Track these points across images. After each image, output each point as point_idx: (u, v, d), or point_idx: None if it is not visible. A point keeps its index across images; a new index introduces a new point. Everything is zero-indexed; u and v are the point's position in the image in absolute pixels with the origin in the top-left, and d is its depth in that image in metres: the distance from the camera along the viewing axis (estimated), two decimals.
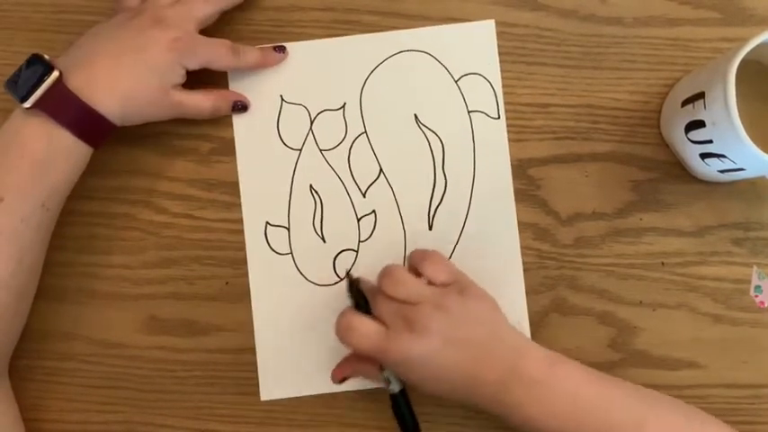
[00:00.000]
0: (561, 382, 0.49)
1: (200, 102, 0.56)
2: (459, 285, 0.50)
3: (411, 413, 0.51)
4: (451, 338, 0.48)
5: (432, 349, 0.47)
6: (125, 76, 0.51)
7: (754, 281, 0.56)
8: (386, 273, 0.50)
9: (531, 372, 0.48)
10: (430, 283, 0.50)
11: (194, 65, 0.54)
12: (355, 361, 0.54)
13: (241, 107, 0.57)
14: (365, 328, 0.49)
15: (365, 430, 0.57)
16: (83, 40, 0.53)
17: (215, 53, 0.54)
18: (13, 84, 0.50)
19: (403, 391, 0.51)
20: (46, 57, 0.50)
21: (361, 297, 0.51)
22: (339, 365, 0.54)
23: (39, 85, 0.49)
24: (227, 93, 0.58)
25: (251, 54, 0.56)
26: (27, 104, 0.49)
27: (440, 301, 0.49)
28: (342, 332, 0.49)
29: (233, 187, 0.58)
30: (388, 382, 0.51)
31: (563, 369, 0.49)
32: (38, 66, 0.50)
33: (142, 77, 0.52)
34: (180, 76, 0.53)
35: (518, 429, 0.49)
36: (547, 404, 0.48)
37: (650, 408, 0.49)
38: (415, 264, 0.51)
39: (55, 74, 0.49)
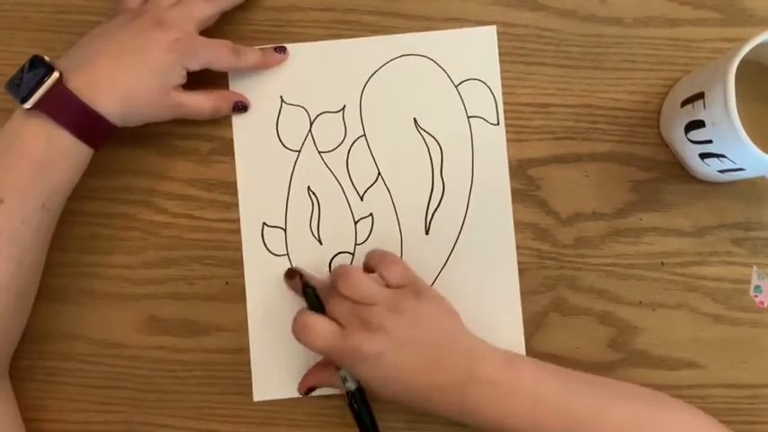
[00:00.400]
0: (520, 383, 0.49)
1: (201, 102, 0.56)
2: (414, 288, 0.51)
3: (369, 411, 0.52)
4: (405, 340, 0.48)
5: (386, 349, 0.48)
6: (126, 78, 0.51)
7: (754, 281, 0.56)
8: (341, 273, 0.50)
9: (489, 374, 0.49)
10: (386, 285, 0.51)
11: (195, 66, 0.54)
12: (319, 370, 0.55)
13: (242, 107, 0.58)
14: (320, 326, 0.49)
15: None
16: (84, 41, 0.53)
17: (216, 54, 0.54)
18: (14, 85, 0.50)
19: (360, 389, 0.52)
20: (47, 58, 0.50)
21: (315, 298, 0.52)
22: (304, 377, 0.55)
23: (39, 86, 0.49)
24: (228, 93, 0.58)
25: (252, 55, 0.56)
26: (27, 105, 0.49)
27: (394, 302, 0.49)
28: (297, 331, 0.50)
29: (233, 187, 0.58)
30: (344, 380, 0.51)
31: (521, 369, 0.49)
32: (39, 67, 0.50)
33: (143, 78, 0.52)
34: (180, 77, 0.53)
35: None
36: (506, 405, 0.48)
37: (610, 400, 0.49)
38: (372, 265, 0.52)
39: (55, 75, 0.49)
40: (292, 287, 0.56)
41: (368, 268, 0.53)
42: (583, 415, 0.48)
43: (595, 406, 0.49)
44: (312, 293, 0.52)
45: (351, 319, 0.49)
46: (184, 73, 0.54)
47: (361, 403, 0.52)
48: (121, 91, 0.51)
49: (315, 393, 0.55)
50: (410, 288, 0.51)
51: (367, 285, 0.50)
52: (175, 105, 0.54)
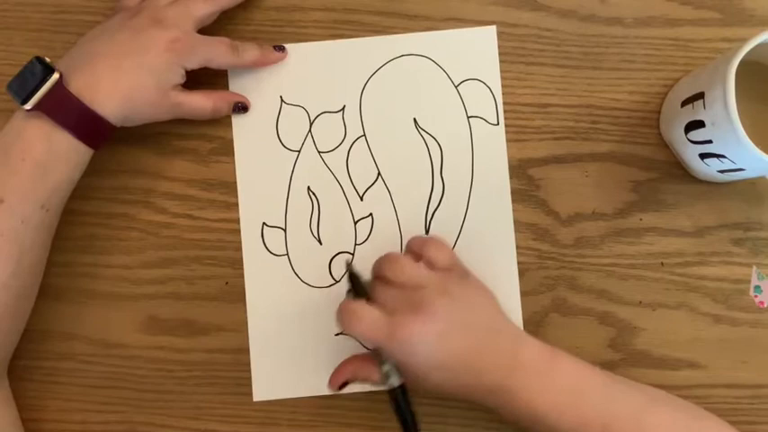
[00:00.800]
0: (563, 373, 0.49)
1: (201, 103, 0.56)
2: (460, 271, 0.50)
3: (410, 409, 0.50)
4: (456, 322, 0.47)
5: (438, 332, 0.46)
6: (125, 79, 0.51)
7: (754, 281, 0.56)
8: (386, 258, 0.49)
9: (534, 361, 0.48)
10: (430, 268, 0.49)
11: (194, 64, 0.54)
12: (355, 364, 0.52)
13: (241, 108, 0.57)
14: (369, 314, 0.47)
15: (365, 430, 0.57)
16: (83, 41, 0.53)
17: (214, 51, 0.54)
18: (15, 86, 0.50)
19: (403, 386, 0.50)
20: (47, 59, 0.50)
21: (360, 287, 0.50)
22: (337, 371, 0.52)
23: (39, 87, 0.49)
24: (228, 94, 0.58)
25: (250, 52, 0.56)
26: (28, 106, 0.49)
27: (443, 285, 0.48)
28: (345, 320, 0.47)
29: (233, 187, 0.58)
30: (387, 377, 0.49)
31: (564, 360, 0.49)
32: (39, 68, 0.50)
33: (142, 79, 0.52)
34: (179, 77, 0.53)
35: (516, 422, 0.49)
36: (549, 393, 0.48)
37: (651, 403, 0.49)
38: (416, 248, 0.50)
39: (55, 76, 0.49)
40: None
41: (412, 255, 0.51)
42: (624, 414, 0.48)
43: (636, 407, 0.48)
44: (357, 281, 0.50)
45: (400, 304, 0.47)
46: (183, 72, 0.53)
47: (404, 401, 0.49)
48: (121, 92, 0.51)
49: (347, 390, 0.52)
50: (457, 271, 0.50)
51: (412, 268, 0.48)
52: (175, 105, 0.54)
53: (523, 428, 0.49)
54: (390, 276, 0.48)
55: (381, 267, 0.49)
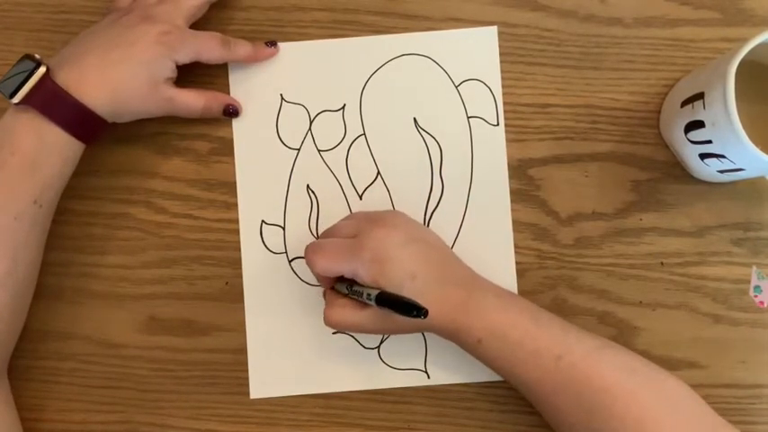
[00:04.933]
0: (520, 301, 0.52)
1: (192, 100, 0.55)
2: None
3: (401, 298, 0.48)
4: (415, 236, 0.51)
5: (402, 239, 0.50)
6: (114, 71, 0.51)
7: (754, 281, 0.56)
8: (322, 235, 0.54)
9: (492, 286, 0.52)
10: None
11: (184, 58, 0.54)
12: (333, 300, 0.52)
13: (233, 111, 0.57)
14: (332, 242, 0.51)
15: (365, 430, 0.57)
16: (74, 41, 0.53)
17: (205, 45, 0.54)
18: (3, 83, 0.50)
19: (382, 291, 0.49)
20: (36, 56, 0.51)
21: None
22: (327, 313, 0.52)
23: (27, 81, 0.49)
24: (221, 95, 0.57)
25: (242, 47, 0.56)
26: (15, 100, 0.49)
27: (386, 214, 0.54)
28: (312, 257, 0.50)
29: (233, 187, 0.58)
30: (365, 296, 0.49)
31: (519, 296, 0.54)
32: (27, 63, 0.50)
33: (130, 71, 0.52)
34: (170, 70, 0.53)
35: (475, 349, 0.50)
36: (509, 312, 0.50)
37: (606, 344, 0.50)
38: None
39: (42, 69, 0.50)
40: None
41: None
42: (579, 349, 0.48)
43: (591, 346, 0.49)
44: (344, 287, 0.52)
45: (358, 227, 0.51)
46: (173, 66, 0.53)
47: (392, 295, 0.48)
48: (109, 84, 0.51)
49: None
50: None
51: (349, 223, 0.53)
52: (165, 100, 0.54)
53: (482, 358, 0.50)
54: (343, 222, 0.53)
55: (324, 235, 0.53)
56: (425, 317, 0.45)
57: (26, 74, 0.50)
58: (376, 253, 0.49)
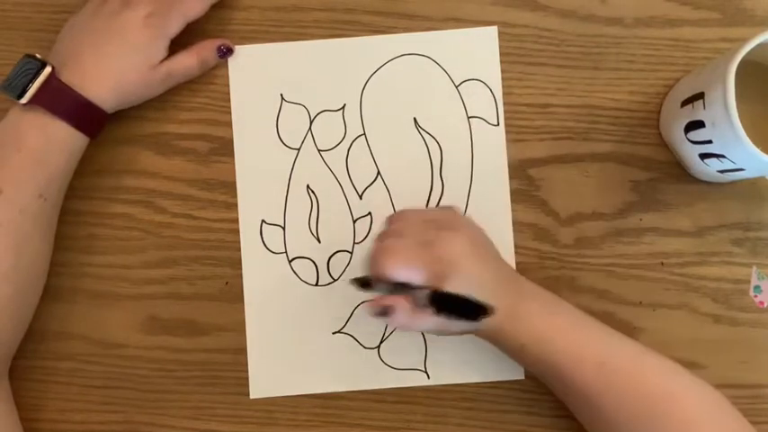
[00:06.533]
0: (565, 306, 0.51)
1: (186, 61, 0.56)
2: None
3: (459, 296, 0.47)
4: (477, 243, 0.49)
5: (470, 248, 0.48)
6: (112, 64, 0.52)
7: (754, 281, 0.56)
8: (392, 217, 0.51)
9: (537, 291, 0.51)
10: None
11: (176, 30, 0.54)
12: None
13: (226, 51, 0.57)
14: (403, 244, 0.47)
15: (365, 430, 0.57)
16: (62, 37, 0.54)
17: (186, 5, 0.54)
18: (8, 84, 0.51)
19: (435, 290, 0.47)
20: (38, 55, 0.51)
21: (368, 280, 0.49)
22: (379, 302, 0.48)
23: (33, 80, 0.50)
24: (208, 43, 0.57)
25: None
26: (24, 100, 0.50)
27: (452, 217, 0.51)
28: (382, 259, 0.46)
29: (233, 187, 0.58)
30: (423, 297, 0.47)
31: (563, 301, 0.52)
32: (30, 63, 0.51)
33: (128, 61, 0.53)
34: (165, 49, 0.54)
35: (517, 353, 0.50)
36: (554, 318, 0.50)
37: (646, 350, 0.50)
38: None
39: (48, 69, 0.50)
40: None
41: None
42: (622, 355, 0.49)
43: (635, 350, 0.50)
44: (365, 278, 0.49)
45: (427, 231, 0.48)
46: (167, 44, 0.54)
47: (449, 294, 0.47)
48: (110, 78, 0.52)
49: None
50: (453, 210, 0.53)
51: (418, 211, 0.50)
52: (165, 76, 0.55)
53: (523, 362, 0.52)
54: (402, 223, 0.49)
55: (391, 221, 0.50)
56: (488, 316, 0.47)
57: (31, 74, 0.50)
58: (449, 258, 0.47)
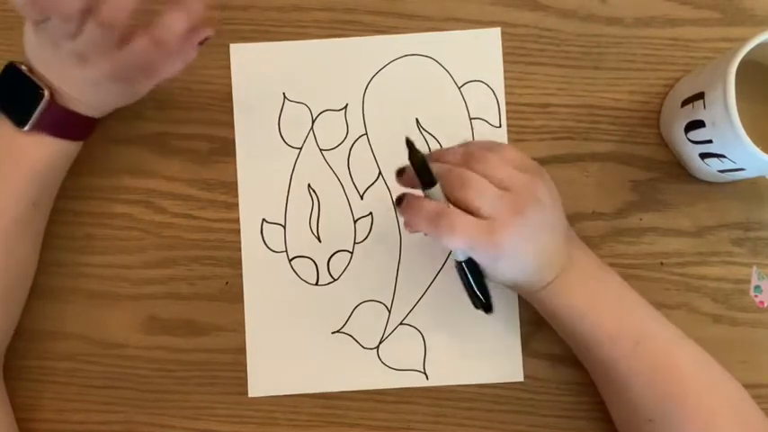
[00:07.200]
0: (610, 282, 0.51)
1: (171, 69, 0.52)
2: (541, 173, 0.49)
3: (481, 280, 0.48)
4: (539, 226, 0.47)
5: (527, 235, 0.46)
6: (96, 93, 0.51)
7: (754, 281, 0.56)
8: (473, 156, 0.47)
9: (587, 264, 0.51)
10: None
11: (147, 84, 0.52)
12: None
13: (205, 39, 0.52)
14: (467, 221, 0.45)
15: (365, 430, 0.56)
16: (33, 57, 0.51)
17: (147, 56, 0.49)
18: (3, 105, 0.50)
19: (470, 262, 0.47)
20: (23, 66, 0.50)
21: (429, 174, 0.45)
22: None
23: (33, 109, 0.49)
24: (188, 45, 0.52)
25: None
26: (26, 128, 0.49)
27: (534, 189, 0.47)
28: (447, 228, 0.44)
29: (233, 187, 0.58)
30: (456, 254, 0.47)
31: (613, 273, 0.52)
32: (25, 87, 0.50)
33: (112, 91, 0.52)
34: (146, 88, 0.53)
35: (554, 317, 0.51)
36: (595, 294, 0.50)
37: (684, 336, 0.50)
38: (485, 149, 0.48)
39: (47, 96, 0.49)
40: (405, 183, 0.49)
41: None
42: (659, 337, 0.49)
43: (673, 334, 0.50)
44: (423, 162, 0.46)
45: (499, 208, 0.45)
46: (147, 89, 0.53)
47: (474, 272, 0.48)
48: (97, 102, 0.52)
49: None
50: (540, 174, 0.49)
51: (508, 169, 0.46)
52: (151, 88, 0.53)
53: (557, 329, 0.52)
54: (484, 172, 0.46)
55: (470, 161, 0.47)
56: (487, 312, 0.48)
57: (28, 100, 0.49)
58: (500, 250, 0.46)
